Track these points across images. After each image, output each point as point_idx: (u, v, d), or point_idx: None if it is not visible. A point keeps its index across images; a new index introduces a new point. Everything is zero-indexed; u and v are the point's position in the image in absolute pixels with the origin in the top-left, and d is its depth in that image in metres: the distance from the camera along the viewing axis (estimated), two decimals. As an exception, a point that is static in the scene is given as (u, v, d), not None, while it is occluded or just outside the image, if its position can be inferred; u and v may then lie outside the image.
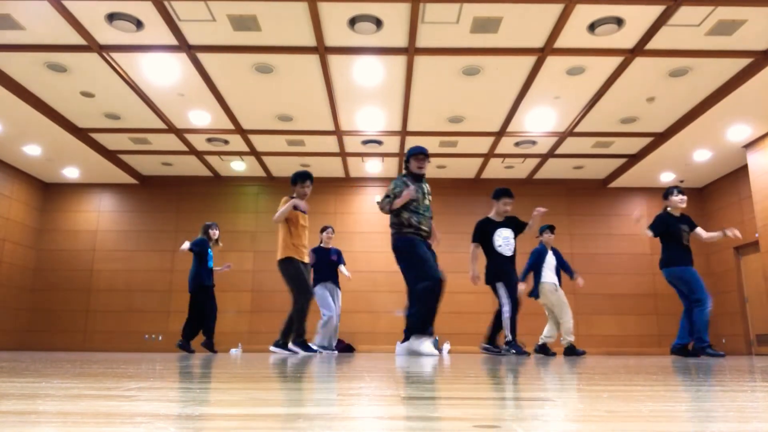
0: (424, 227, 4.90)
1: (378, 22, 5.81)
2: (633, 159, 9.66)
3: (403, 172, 5.34)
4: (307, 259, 5.76)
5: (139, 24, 5.83)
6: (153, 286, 10.46)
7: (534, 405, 0.99)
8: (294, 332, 5.57)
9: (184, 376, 1.74)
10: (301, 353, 5.46)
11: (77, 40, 6.10)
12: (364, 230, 10.59)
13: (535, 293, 6.76)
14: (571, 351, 6.54)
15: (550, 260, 6.82)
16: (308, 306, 5.54)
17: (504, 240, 5.77)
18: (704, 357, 5.39)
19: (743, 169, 9.54)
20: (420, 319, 4.75)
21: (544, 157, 9.74)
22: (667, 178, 10.42)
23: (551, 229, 6.99)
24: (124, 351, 9.38)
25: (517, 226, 5.91)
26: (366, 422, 0.78)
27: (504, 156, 9.73)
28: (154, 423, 0.74)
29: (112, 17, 5.70)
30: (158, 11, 5.58)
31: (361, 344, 10.13)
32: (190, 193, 10.92)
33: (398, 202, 4.82)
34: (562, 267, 6.91)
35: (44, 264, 10.57)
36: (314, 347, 5.98)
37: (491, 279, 5.78)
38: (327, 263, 7.18)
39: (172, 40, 6.14)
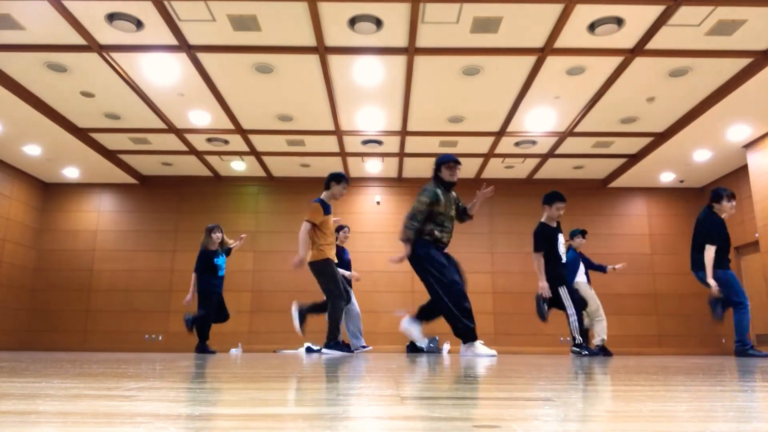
0: (444, 241, 4.77)
1: (378, 22, 5.81)
2: (633, 159, 9.66)
3: (432, 182, 4.96)
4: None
5: (139, 24, 5.83)
6: (153, 286, 10.45)
7: (534, 405, 0.99)
8: (328, 334, 5.56)
9: (184, 376, 1.74)
10: (338, 354, 5.45)
11: (77, 40, 6.10)
12: (364, 230, 10.59)
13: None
14: (603, 350, 6.56)
15: (580, 265, 7.03)
16: (343, 308, 5.57)
17: (562, 245, 5.73)
18: (746, 358, 5.33)
19: (743, 169, 9.54)
20: (461, 325, 4.63)
21: (544, 157, 9.74)
22: (667, 178, 10.42)
23: (583, 234, 7.13)
24: (124, 351, 9.38)
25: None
26: (366, 422, 0.78)
27: (504, 156, 9.73)
28: (154, 423, 0.74)
29: (112, 17, 5.70)
30: (158, 11, 5.57)
31: (361, 344, 10.12)
32: (190, 193, 10.92)
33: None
34: (591, 267, 7.13)
35: (44, 264, 10.57)
36: (352, 348, 6.02)
37: (554, 285, 5.56)
38: (344, 262, 7.14)
39: (172, 40, 6.14)
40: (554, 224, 5.75)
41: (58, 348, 10.23)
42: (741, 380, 1.74)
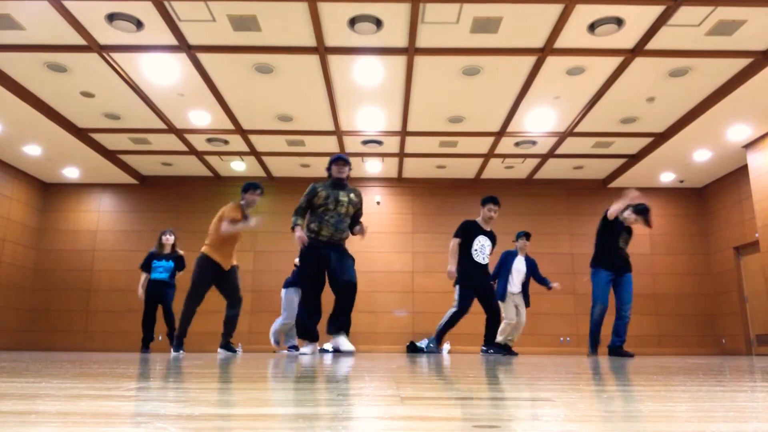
0: (323, 233, 4.84)
1: (378, 22, 5.81)
2: (633, 159, 9.66)
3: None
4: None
5: (139, 24, 5.83)
6: (153, 286, 10.44)
7: (534, 405, 0.99)
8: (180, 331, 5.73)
9: (184, 376, 1.74)
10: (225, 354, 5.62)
11: (77, 40, 6.10)
12: (364, 230, 10.59)
13: (499, 297, 6.81)
14: (505, 348, 6.72)
15: (520, 267, 6.90)
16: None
17: (483, 247, 5.86)
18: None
19: (743, 169, 9.54)
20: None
21: (544, 157, 9.74)
22: (667, 178, 10.42)
23: (527, 236, 7.03)
24: (124, 351, 9.38)
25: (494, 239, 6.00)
26: (366, 422, 0.78)
27: (504, 156, 9.73)
28: (154, 423, 0.74)
29: (112, 17, 5.70)
30: (158, 11, 5.57)
31: (361, 344, 10.13)
32: (190, 193, 10.92)
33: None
34: (534, 276, 6.96)
35: (44, 264, 10.57)
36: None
37: (457, 279, 5.86)
38: None
39: (172, 40, 6.14)
40: (486, 226, 5.93)
41: (58, 348, 10.23)
42: (741, 380, 1.74)
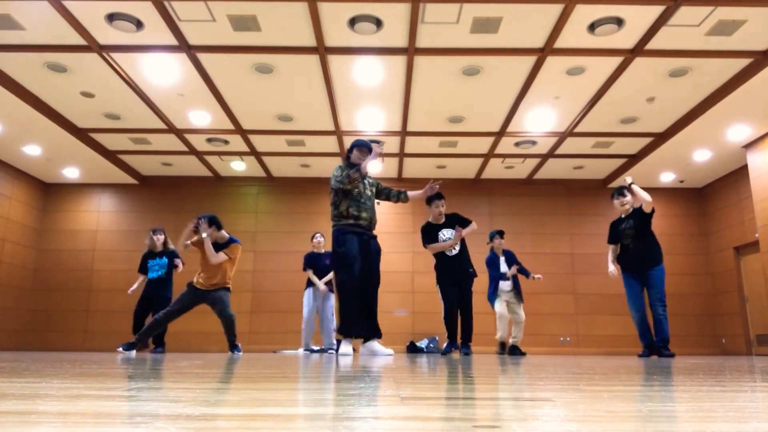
0: (363, 217, 4.83)
1: (378, 22, 5.81)
2: (633, 159, 9.66)
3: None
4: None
5: (139, 24, 5.83)
6: (153, 286, 10.44)
7: (534, 405, 0.99)
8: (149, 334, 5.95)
9: (184, 376, 1.74)
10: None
11: (77, 40, 6.09)
12: (364, 230, 10.58)
13: (492, 298, 6.87)
14: (514, 350, 6.81)
15: (502, 265, 6.92)
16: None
17: (446, 240, 5.91)
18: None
19: (743, 169, 9.54)
20: (342, 319, 4.72)
21: (544, 157, 9.74)
22: (667, 178, 10.42)
23: (501, 234, 7.04)
24: (124, 351, 9.36)
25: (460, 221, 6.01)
26: (366, 422, 0.78)
27: (504, 156, 9.73)
28: (154, 423, 0.74)
29: (112, 17, 5.70)
30: (158, 11, 5.57)
31: (360, 344, 10.11)
32: (190, 193, 10.92)
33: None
34: (519, 269, 6.95)
35: (44, 264, 10.57)
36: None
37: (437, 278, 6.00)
38: (321, 268, 7.55)
39: (172, 40, 6.14)
40: (439, 221, 5.97)
41: (58, 348, 10.23)
42: (741, 380, 1.74)
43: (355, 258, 4.64)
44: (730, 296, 10.08)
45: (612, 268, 5.99)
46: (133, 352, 5.87)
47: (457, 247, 5.88)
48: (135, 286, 7.33)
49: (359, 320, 4.63)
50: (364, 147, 4.98)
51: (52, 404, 0.95)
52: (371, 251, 4.76)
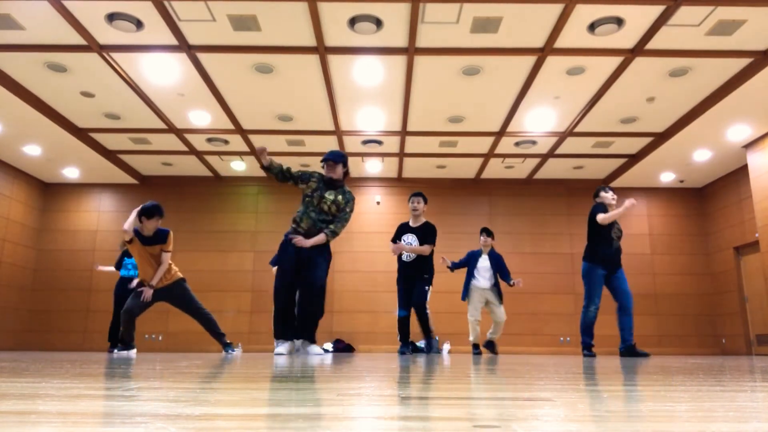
0: (303, 226, 4.80)
1: (378, 22, 5.81)
2: (633, 159, 9.66)
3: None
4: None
5: (139, 24, 5.83)
6: (153, 286, 10.44)
7: (534, 405, 0.99)
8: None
9: (184, 376, 1.74)
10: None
11: (77, 40, 6.09)
12: (364, 230, 10.59)
13: (463, 295, 6.79)
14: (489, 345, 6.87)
15: (484, 263, 6.77)
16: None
17: (406, 245, 6.01)
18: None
19: (743, 169, 9.53)
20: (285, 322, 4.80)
21: (544, 157, 9.74)
22: (667, 178, 10.42)
23: (486, 232, 6.93)
24: (124, 351, 9.37)
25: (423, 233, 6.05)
26: (366, 422, 0.78)
27: (504, 156, 9.73)
28: (154, 423, 0.74)
29: (112, 17, 5.70)
30: (158, 11, 5.57)
31: (360, 344, 10.12)
32: (190, 193, 10.92)
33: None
34: (498, 271, 6.77)
35: (44, 264, 10.57)
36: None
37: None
38: None
39: (172, 40, 6.14)
40: (414, 222, 6.07)
41: (57, 348, 10.23)
42: (741, 380, 1.74)
43: (286, 263, 4.74)
44: (730, 296, 10.08)
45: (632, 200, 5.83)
46: (133, 351, 5.85)
47: (413, 255, 5.99)
48: (104, 269, 7.48)
49: (282, 324, 4.71)
50: (330, 160, 4.95)
51: (52, 404, 0.95)
52: (303, 258, 4.74)
